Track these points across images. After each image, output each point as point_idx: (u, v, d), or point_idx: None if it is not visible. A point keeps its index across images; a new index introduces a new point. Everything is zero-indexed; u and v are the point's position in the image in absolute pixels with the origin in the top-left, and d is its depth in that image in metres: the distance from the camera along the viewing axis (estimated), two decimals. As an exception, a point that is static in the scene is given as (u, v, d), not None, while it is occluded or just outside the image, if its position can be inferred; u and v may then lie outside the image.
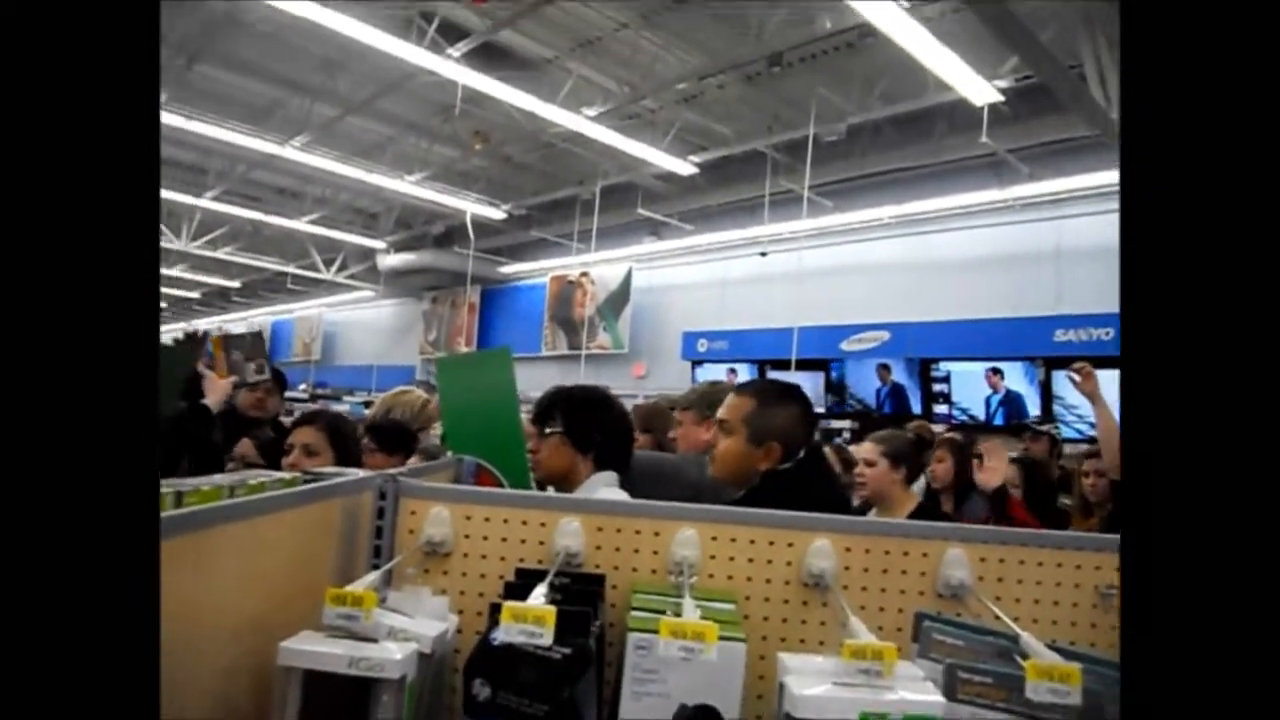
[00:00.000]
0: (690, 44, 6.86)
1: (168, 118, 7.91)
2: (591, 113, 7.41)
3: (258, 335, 3.05)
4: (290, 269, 15.01)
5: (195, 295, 20.09)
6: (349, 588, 0.92)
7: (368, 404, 8.61)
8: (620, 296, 11.75)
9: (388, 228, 13.14)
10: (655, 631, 0.90)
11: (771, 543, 1.20)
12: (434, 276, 13.92)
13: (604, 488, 1.87)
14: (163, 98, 7.81)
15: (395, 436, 2.56)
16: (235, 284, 18.14)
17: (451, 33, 6.49)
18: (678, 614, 0.96)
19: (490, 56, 6.95)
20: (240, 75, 8.19)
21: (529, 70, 7.37)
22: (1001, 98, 6.23)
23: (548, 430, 1.91)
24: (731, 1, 6.09)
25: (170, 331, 23.24)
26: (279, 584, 1.02)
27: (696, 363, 10.23)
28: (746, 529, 1.21)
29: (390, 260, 13.56)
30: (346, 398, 12.14)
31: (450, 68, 6.52)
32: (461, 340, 14.32)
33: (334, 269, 14.83)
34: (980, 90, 6.02)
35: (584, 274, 12.19)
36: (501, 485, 1.95)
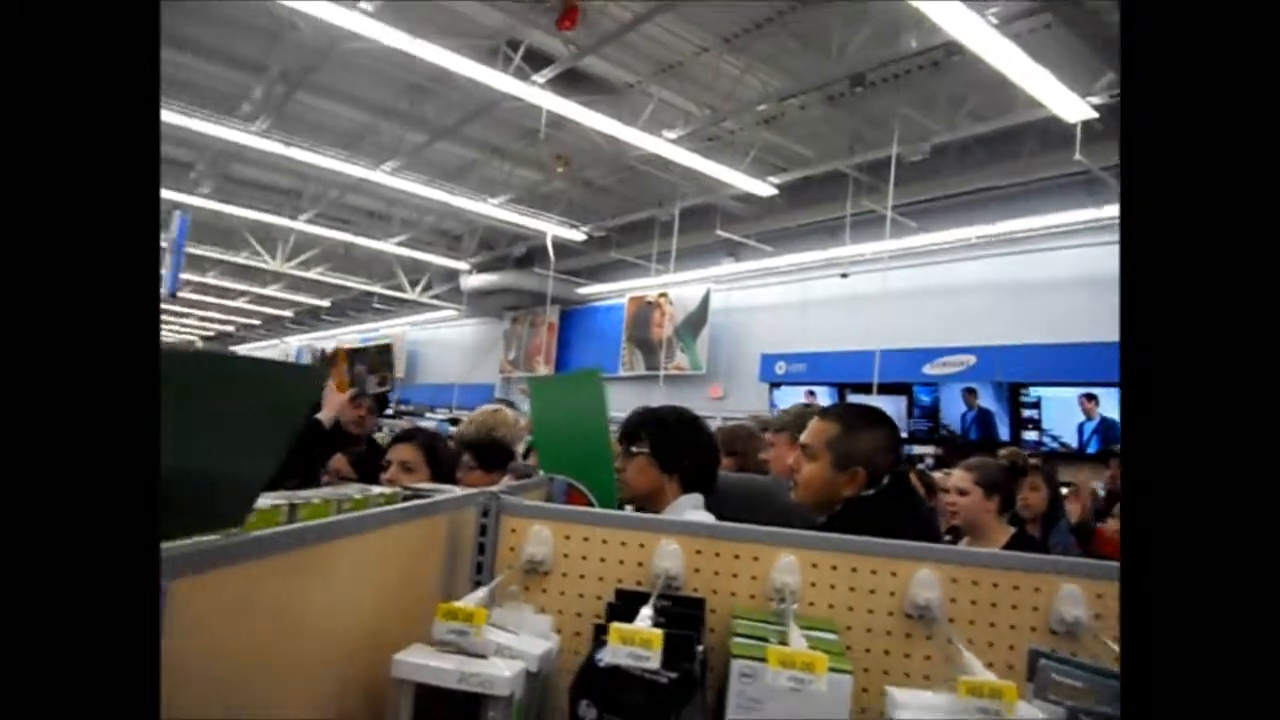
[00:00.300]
0: (771, 66, 6.85)
1: (268, 144, 8.35)
2: (672, 135, 7.47)
3: (385, 348, 3.11)
4: (377, 289, 15.57)
5: (288, 314, 20.99)
6: (458, 603, 0.93)
7: (453, 421, 8.79)
8: (698, 318, 11.74)
9: (471, 249, 13.49)
10: (761, 659, 0.89)
11: (874, 571, 1.17)
12: (514, 297, 14.21)
13: (691, 509, 1.85)
14: (264, 125, 8.23)
15: (496, 454, 2.60)
16: (325, 303, 18.87)
17: (537, 60, 6.65)
18: (782, 642, 0.95)
19: (574, 82, 7.09)
20: (336, 103, 8.56)
21: (611, 95, 7.49)
22: (1095, 114, 6.01)
23: (634, 450, 1.91)
24: (813, 18, 6.06)
25: (263, 349, 24.28)
26: (389, 597, 1.05)
27: (774, 385, 10.12)
28: (847, 556, 1.18)
29: (472, 281, 13.90)
30: (429, 415, 12.42)
31: (535, 93, 6.68)
32: (540, 359, 14.53)
33: (419, 289, 15.29)
34: (1073, 106, 5.82)
35: (662, 295, 12.23)
36: (591, 505, 1.96)
